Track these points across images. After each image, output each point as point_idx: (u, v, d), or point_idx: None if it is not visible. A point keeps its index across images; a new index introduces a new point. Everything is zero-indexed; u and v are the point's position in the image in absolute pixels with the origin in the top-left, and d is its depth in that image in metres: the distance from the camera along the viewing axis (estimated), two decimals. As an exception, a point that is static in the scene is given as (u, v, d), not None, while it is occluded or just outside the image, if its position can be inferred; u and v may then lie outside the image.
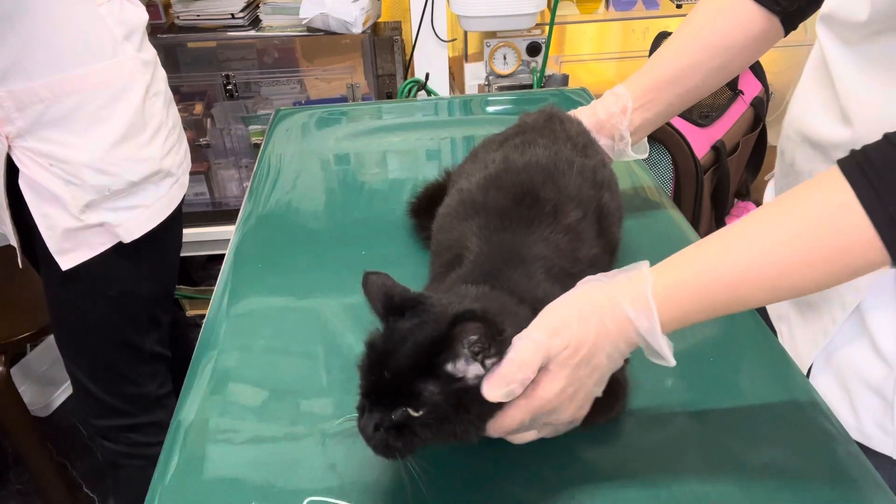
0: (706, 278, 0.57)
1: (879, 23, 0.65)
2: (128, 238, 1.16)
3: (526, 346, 0.57)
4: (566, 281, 0.68)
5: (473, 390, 0.56)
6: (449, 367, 0.56)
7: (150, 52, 1.22)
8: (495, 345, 0.56)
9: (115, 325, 1.25)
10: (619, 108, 0.88)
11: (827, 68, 0.74)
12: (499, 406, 0.58)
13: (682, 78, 0.86)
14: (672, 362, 0.59)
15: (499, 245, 0.70)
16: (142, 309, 1.27)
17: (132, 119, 1.13)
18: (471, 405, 0.57)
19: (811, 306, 0.78)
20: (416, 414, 0.55)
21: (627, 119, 0.88)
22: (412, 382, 0.55)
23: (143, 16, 1.20)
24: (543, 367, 0.57)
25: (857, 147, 0.57)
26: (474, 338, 0.55)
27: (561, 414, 0.60)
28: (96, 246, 1.15)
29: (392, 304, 0.59)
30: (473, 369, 0.57)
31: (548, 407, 0.59)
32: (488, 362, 0.56)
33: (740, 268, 0.56)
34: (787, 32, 0.83)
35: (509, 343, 0.57)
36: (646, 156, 0.94)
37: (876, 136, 0.64)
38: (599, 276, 0.62)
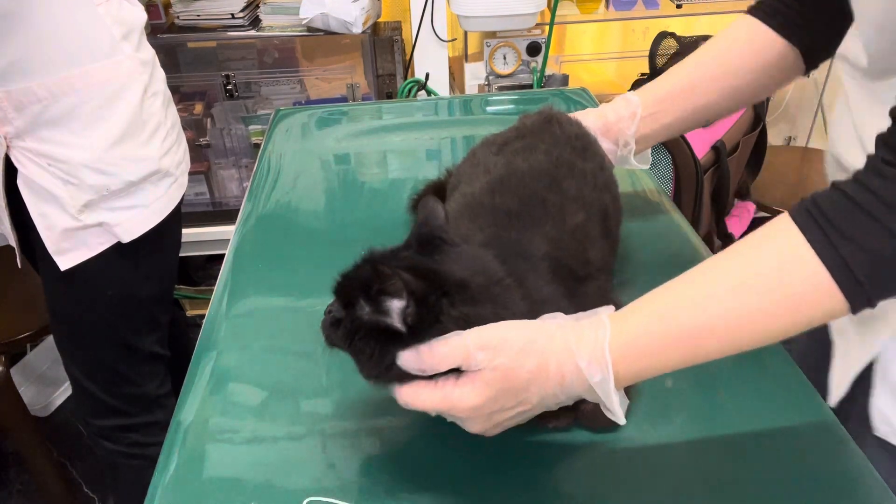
0: (665, 333, 0.55)
1: (878, 65, 0.66)
2: (126, 238, 1.16)
3: (451, 342, 0.56)
4: (573, 285, 0.68)
5: (382, 332, 0.58)
6: (384, 299, 0.58)
7: (149, 52, 1.21)
8: (413, 311, 0.57)
9: (113, 325, 1.24)
10: (628, 112, 0.88)
11: (847, 98, 0.75)
12: (410, 377, 0.58)
13: (693, 93, 0.85)
14: (623, 421, 0.58)
15: (507, 241, 0.70)
16: (141, 309, 1.27)
17: (130, 119, 1.13)
18: (382, 347, 0.58)
19: (864, 321, 0.75)
20: (344, 316, 0.60)
21: (635, 125, 0.87)
22: (359, 290, 0.59)
23: (141, 15, 1.20)
24: (467, 373, 0.57)
25: None
26: (394, 294, 0.57)
27: (470, 425, 0.60)
28: (95, 246, 1.15)
29: (421, 232, 0.63)
30: (393, 318, 0.58)
31: (459, 414, 0.58)
32: (409, 320, 0.57)
33: (699, 322, 0.54)
34: (808, 69, 0.81)
35: (437, 321, 0.57)
36: (647, 166, 0.94)
37: None
38: (569, 317, 0.60)
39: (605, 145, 0.89)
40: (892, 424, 0.70)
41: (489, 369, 0.56)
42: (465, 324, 0.57)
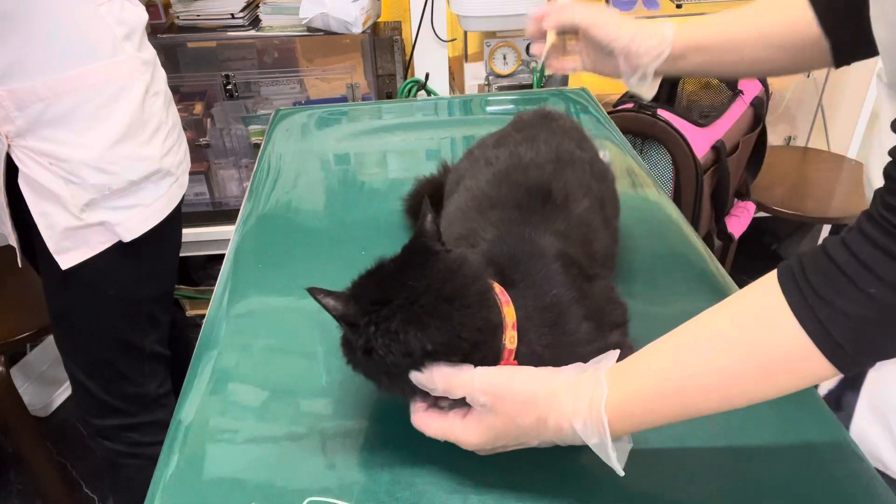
0: (657, 391, 0.56)
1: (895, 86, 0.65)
2: (128, 237, 1.16)
3: (460, 376, 0.59)
4: (582, 285, 0.68)
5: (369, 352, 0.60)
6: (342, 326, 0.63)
7: (150, 52, 1.22)
8: (351, 337, 0.61)
9: (114, 324, 1.24)
10: (656, 51, 0.83)
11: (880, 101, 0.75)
12: (418, 393, 0.62)
13: (723, 50, 0.83)
14: (621, 472, 0.58)
15: (518, 241, 0.70)
16: (141, 308, 1.27)
17: (132, 118, 1.13)
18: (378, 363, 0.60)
19: None
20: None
21: (659, 62, 0.84)
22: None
23: (142, 15, 1.20)
24: (472, 413, 0.61)
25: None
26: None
27: (476, 452, 0.64)
28: (96, 245, 1.14)
29: (412, 242, 0.64)
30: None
31: (464, 447, 0.62)
32: (358, 342, 0.60)
33: (689, 382, 0.55)
34: (837, 65, 0.78)
35: (368, 347, 0.59)
36: (650, 96, 0.89)
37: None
38: (575, 368, 0.60)
39: (620, 63, 0.86)
40: (870, 450, 0.70)
41: (492, 415, 0.59)
42: (402, 346, 0.58)
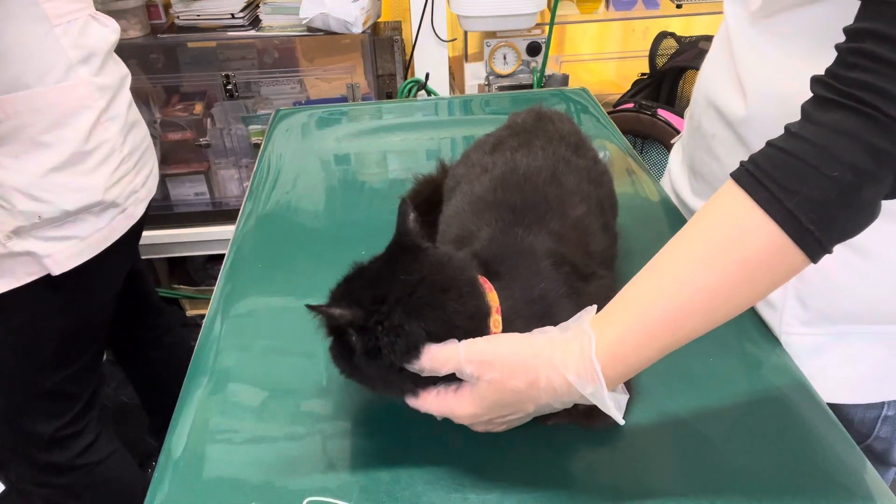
0: (644, 327, 0.55)
1: (770, 7, 0.70)
2: (57, 270, 1.09)
3: (446, 350, 0.59)
4: (577, 284, 0.68)
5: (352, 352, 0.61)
6: (340, 334, 0.63)
7: (113, 76, 1.16)
8: (358, 340, 0.61)
9: (13, 356, 1.17)
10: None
11: (730, 42, 0.78)
12: (411, 388, 0.62)
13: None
14: (621, 421, 0.58)
15: (510, 238, 0.70)
16: (47, 343, 1.18)
17: (76, 146, 1.07)
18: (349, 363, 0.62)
19: None
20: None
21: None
22: (326, 326, 0.63)
23: (109, 37, 1.15)
24: (464, 385, 0.60)
25: (750, 112, 0.67)
26: (343, 328, 0.62)
27: (473, 427, 0.64)
28: (21, 276, 1.08)
29: (397, 241, 0.65)
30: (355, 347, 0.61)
31: (459, 421, 0.62)
32: (359, 348, 0.60)
33: (674, 309, 0.54)
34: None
35: (377, 347, 0.59)
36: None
37: (763, 106, 0.72)
38: (557, 329, 0.59)
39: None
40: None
41: (483, 383, 0.58)
42: (406, 338, 0.59)
